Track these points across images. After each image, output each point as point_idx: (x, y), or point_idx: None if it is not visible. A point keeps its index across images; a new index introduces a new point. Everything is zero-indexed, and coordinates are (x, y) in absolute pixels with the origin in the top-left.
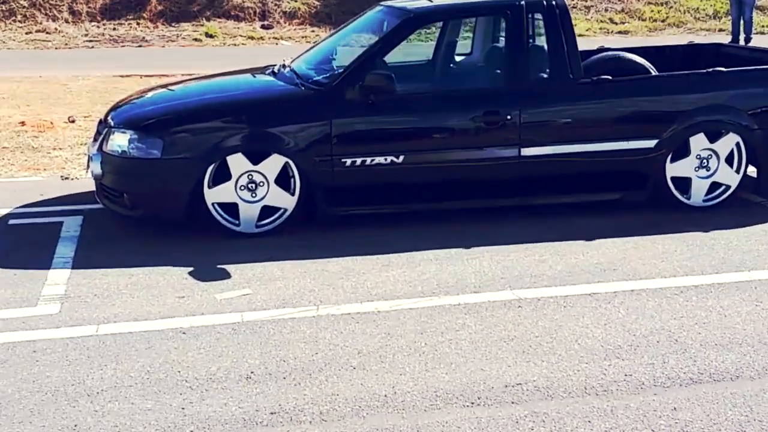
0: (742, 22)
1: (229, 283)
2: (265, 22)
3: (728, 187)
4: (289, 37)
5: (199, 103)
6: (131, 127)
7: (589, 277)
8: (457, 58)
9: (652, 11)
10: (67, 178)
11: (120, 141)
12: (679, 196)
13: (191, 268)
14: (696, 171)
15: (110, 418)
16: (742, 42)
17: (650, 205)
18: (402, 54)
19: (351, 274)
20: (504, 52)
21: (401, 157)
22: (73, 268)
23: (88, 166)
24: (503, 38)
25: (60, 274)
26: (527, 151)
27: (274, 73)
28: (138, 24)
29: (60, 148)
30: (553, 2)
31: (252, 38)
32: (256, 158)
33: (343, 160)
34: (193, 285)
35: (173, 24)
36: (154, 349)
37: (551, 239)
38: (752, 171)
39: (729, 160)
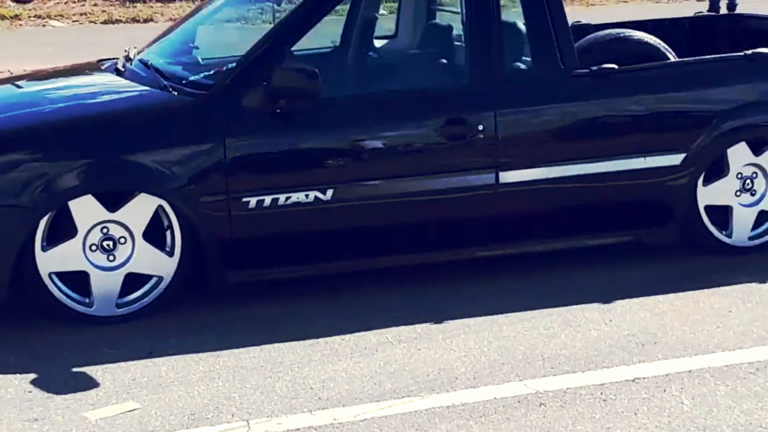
0: None
1: (101, 395)
2: None
3: None
4: (60, 15)
5: (14, 122)
6: None
7: (624, 356)
8: (377, 44)
9: None
10: None
11: None
12: (717, 233)
13: (34, 375)
14: (737, 196)
15: None
16: (723, 10)
17: (678, 248)
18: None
19: (281, 369)
20: (459, 33)
21: (329, 192)
22: None
23: None
24: (457, 11)
25: None
26: (508, 177)
27: (118, 72)
28: None
29: None
30: None
31: (4, 18)
32: (113, 202)
33: (245, 199)
34: (44, 400)
35: None
36: None
37: (555, 304)
38: None
39: None
